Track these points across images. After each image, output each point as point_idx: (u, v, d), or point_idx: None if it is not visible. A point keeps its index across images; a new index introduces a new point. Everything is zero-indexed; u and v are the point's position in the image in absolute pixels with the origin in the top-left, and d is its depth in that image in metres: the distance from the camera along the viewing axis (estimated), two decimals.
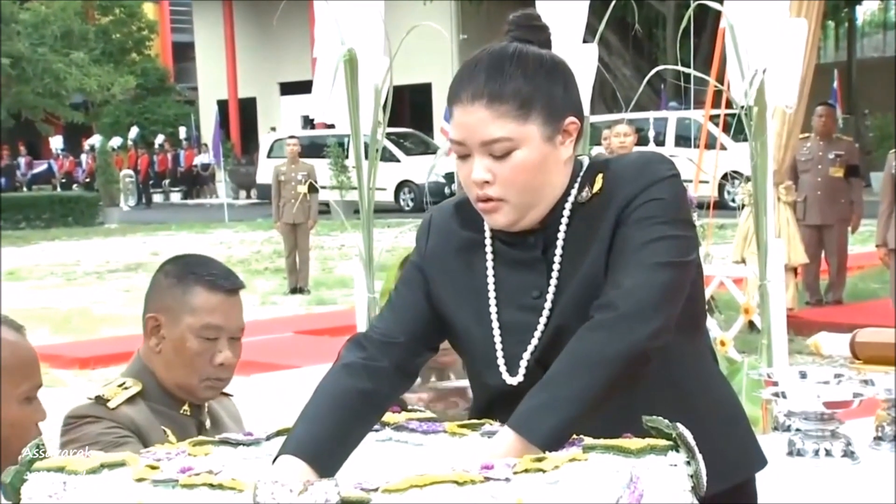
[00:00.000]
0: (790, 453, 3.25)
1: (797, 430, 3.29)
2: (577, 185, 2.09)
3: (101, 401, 2.54)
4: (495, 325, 2.10)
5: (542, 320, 2.07)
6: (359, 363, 2.05)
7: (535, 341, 2.07)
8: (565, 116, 2.05)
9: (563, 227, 2.07)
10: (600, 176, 2.08)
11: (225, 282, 2.62)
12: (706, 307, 2.30)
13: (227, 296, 2.62)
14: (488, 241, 2.14)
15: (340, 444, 1.93)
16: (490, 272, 2.12)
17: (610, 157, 2.18)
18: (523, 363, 2.07)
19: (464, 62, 2.08)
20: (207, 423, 2.65)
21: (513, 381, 2.08)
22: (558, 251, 2.07)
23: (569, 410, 1.85)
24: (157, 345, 2.62)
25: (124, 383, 2.61)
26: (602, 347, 1.90)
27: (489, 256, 2.13)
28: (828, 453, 3.22)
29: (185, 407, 2.63)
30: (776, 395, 3.27)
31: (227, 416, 2.78)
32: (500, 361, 2.09)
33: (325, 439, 1.91)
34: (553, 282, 2.07)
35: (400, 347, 2.10)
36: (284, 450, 1.88)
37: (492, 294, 2.11)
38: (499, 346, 2.10)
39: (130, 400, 2.57)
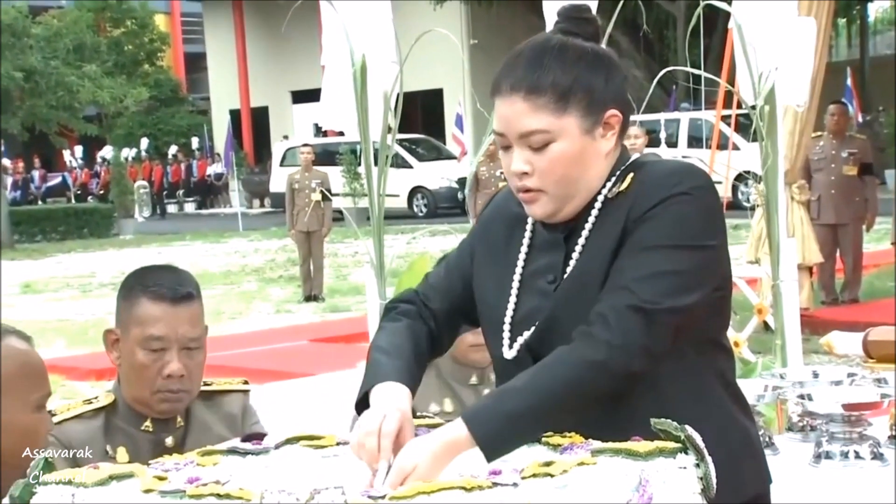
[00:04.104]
0: (817, 456, 3.22)
1: (823, 431, 3.25)
2: (612, 179, 2.08)
3: (50, 415, 2.54)
4: (512, 298, 2.13)
5: (550, 306, 2.08)
6: (412, 310, 2.19)
7: (537, 324, 2.09)
8: (606, 109, 2.05)
9: (591, 219, 2.08)
10: (631, 176, 2.07)
11: (168, 291, 2.57)
12: (725, 339, 2.18)
13: (171, 305, 2.57)
14: (530, 220, 2.16)
15: (419, 374, 2.07)
16: (524, 249, 2.15)
17: (650, 160, 2.13)
18: (521, 339, 2.10)
19: (508, 53, 2.10)
20: (169, 441, 2.59)
21: (509, 355, 2.11)
22: (581, 241, 2.07)
23: (518, 424, 1.87)
24: (117, 358, 2.63)
25: (94, 397, 2.64)
26: (564, 373, 1.92)
27: (527, 234, 2.16)
28: (857, 455, 3.19)
29: (147, 423, 2.61)
30: (801, 397, 3.24)
31: (222, 420, 2.72)
32: (506, 334, 2.12)
33: (412, 368, 2.04)
34: (569, 270, 2.07)
35: (435, 313, 2.21)
36: (379, 379, 1.97)
37: (518, 270, 2.14)
38: (508, 320, 2.12)
39: (91, 414, 2.59)
